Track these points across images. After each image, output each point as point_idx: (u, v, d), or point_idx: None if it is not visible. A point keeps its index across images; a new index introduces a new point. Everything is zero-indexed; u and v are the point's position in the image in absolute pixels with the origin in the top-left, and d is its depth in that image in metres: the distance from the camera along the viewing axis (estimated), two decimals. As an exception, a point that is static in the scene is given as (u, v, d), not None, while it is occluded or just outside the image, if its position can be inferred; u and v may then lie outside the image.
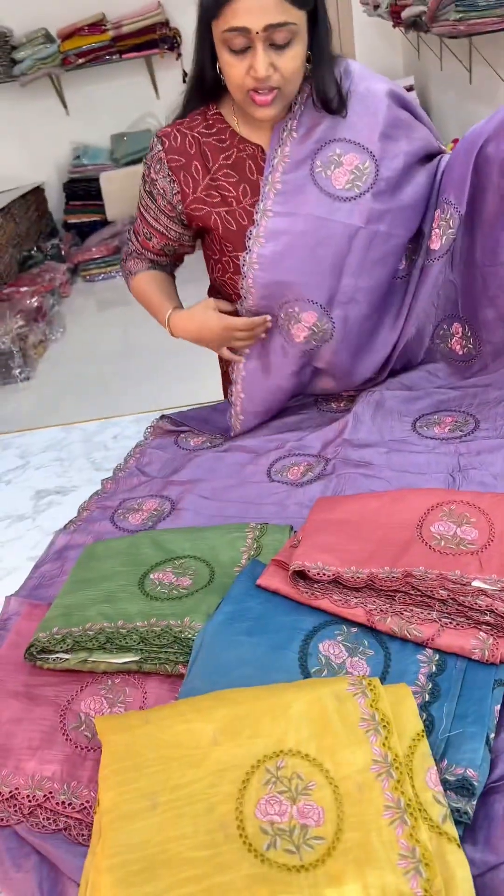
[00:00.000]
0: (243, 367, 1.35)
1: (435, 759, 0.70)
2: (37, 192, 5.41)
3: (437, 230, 1.24)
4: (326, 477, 1.18)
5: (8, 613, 1.01)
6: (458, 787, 0.68)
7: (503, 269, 1.25)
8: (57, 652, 0.88)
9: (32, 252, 4.97)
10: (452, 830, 0.65)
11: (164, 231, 1.34)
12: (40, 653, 0.88)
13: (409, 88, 4.72)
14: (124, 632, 0.87)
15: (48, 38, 5.08)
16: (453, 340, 1.37)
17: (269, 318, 1.27)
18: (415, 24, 3.42)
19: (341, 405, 1.41)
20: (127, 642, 0.86)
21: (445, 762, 0.70)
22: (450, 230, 1.22)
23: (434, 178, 1.27)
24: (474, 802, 0.67)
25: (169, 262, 1.44)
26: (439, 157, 1.28)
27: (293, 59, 1.10)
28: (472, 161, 1.18)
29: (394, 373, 1.40)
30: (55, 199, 5.64)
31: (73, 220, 5.51)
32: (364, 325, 1.30)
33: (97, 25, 5.01)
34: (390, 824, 0.65)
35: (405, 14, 3.51)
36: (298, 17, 1.08)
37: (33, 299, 4.04)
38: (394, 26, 3.97)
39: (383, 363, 1.38)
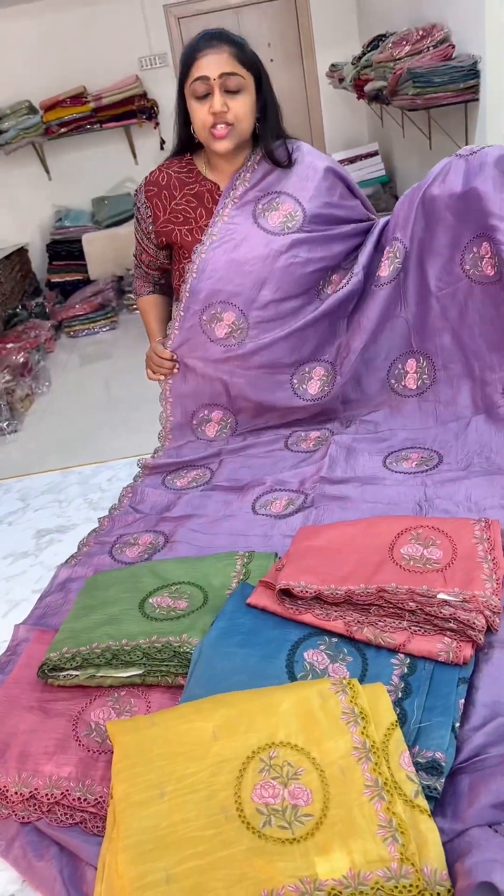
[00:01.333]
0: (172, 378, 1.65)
1: (407, 745, 0.79)
2: (21, 253, 5.59)
3: (385, 261, 1.54)
4: (306, 509, 1.29)
5: (17, 640, 1.10)
6: (429, 768, 0.78)
7: (460, 282, 1.46)
8: (67, 669, 0.97)
9: (17, 310, 5.12)
10: (424, 803, 0.75)
11: (146, 249, 1.70)
12: (52, 671, 0.97)
13: (374, 153, 5.01)
14: (128, 649, 0.96)
15: (31, 110, 5.34)
16: (407, 377, 1.56)
17: (177, 365, 1.63)
18: (377, 97, 3.69)
19: (310, 445, 1.55)
20: (131, 658, 0.95)
21: (417, 747, 0.80)
22: (396, 260, 1.52)
23: (362, 234, 1.61)
24: (443, 780, 0.77)
25: (160, 275, 1.77)
26: (370, 222, 1.62)
27: (243, 103, 1.46)
28: (415, 204, 1.48)
29: (358, 418, 1.59)
30: (38, 259, 5.83)
31: (56, 279, 5.69)
32: (276, 325, 1.58)
33: (78, 97, 5.28)
34: (370, 800, 0.75)
35: (368, 88, 3.79)
36: (246, 75, 1.44)
37: (19, 355, 4.17)
38: (357, 98, 4.26)
39: (332, 365, 1.62)
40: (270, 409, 1.63)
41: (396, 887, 0.69)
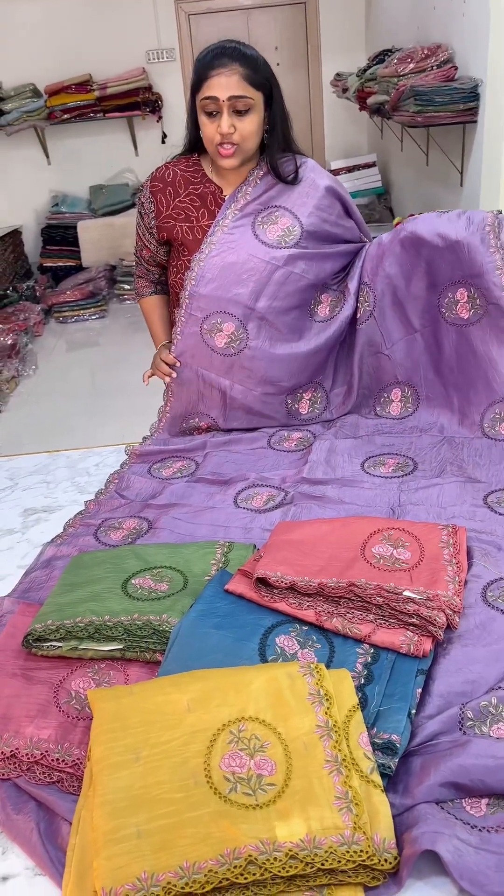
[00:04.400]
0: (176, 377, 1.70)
1: (366, 727, 0.86)
2: (14, 235, 5.60)
3: (359, 306, 1.66)
4: (286, 505, 1.36)
5: (2, 611, 1.14)
6: (385, 748, 0.85)
7: (438, 323, 1.57)
8: (51, 640, 1.02)
9: (8, 292, 5.13)
10: (378, 779, 0.81)
11: (147, 244, 1.74)
12: (36, 641, 1.03)
13: (372, 164, 5.09)
14: (110, 624, 1.02)
15: (35, 93, 5.34)
16: (392, 406, 1.66)
17: (174, 373, 1.68)
18: (379, 111, 3.76)
19: (292, 445, 1.62)
20: (112, 633, 1.01)
21: (375, 729, 0.87)
22: (366, 304, 1.65)
23: (354, 255, 1.68)
24: (397, 760, 0.84)
25: (159, 272, 1.82)
26: (362, 244, 1.70)
27: (250, 123, 1.52)
28: (384, 250, 1.60)
29: (339, 422, 1.68)
30: (32, 243, 5.84)
31: (48, 263, 5.70)
32: (274, 337, 1.64)
33: (83, 85, 5.30)
34: (329, 774, 0.81)
35: (370, 101, 3.86)
36: (255, 95, 1.50)
37: (7, 337, 4.19)
38: (360, 109, 4.34)
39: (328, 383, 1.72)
40: (264, 421, 1.71)
41: (348, 852, 0.75)
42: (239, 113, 1.49)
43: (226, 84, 1.46)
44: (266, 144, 1.61)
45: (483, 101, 2.97)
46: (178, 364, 1.68)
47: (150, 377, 1.77)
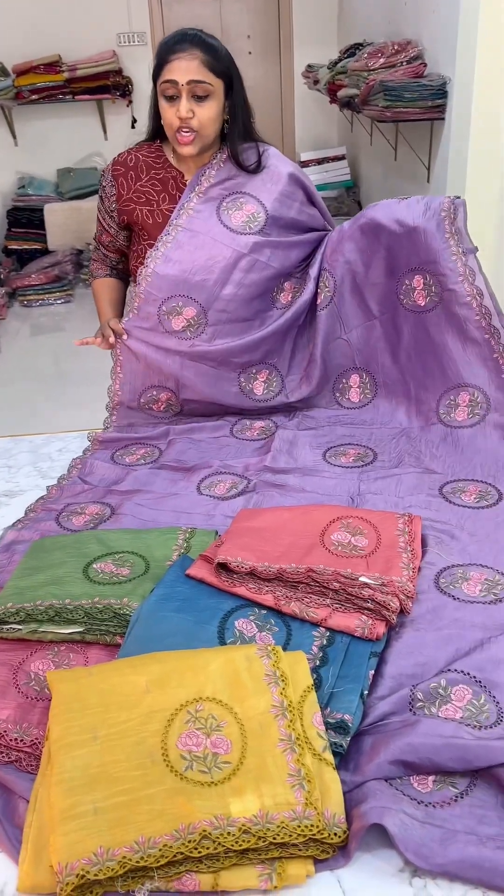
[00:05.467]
0: (122, 352, 1.67)
1: (320, 707, 0.89)
2: (-22, 216, 5.50)
3: (319, 291, 1.67)
4: (248, 493, 1.38)
5: (-38, 594, 1.14)
6: (337, 728, 0.88)
7: (396, 309, 1.60)
8: (10, 623, 1.03)
9: (-29, 273, 5.04)
10: (330, 757, 0.84)
11: (107, 228, 1.74)
12: (-5, 623, 1.03)
13: (342, 157, 5.11)
14: (71, 607, 1.03)
15: (3, 72, 5.23)
16: (351, 392, 1.68)
17: (112, 338, 1.64)
18: (349, 104, 3.78)
19: (255, 434, 1.64)
20: (73, 616, 1.02)
21: (329, 709, 0.89)
22: (326, 289, 1.66)
23: (317, 243, 1.69)
24: (348, 739, 0.87)
25: (117, 259, 1.81)
26: (326, 232, 1.71)
27: (209, 110, 1.53)
28: (345, 237, 1.62)
29: (301, 412, 1.70)
30: (-4, 224, 5.73)
31: (13, 245, 5.60)
32: (233, 327, 1.66)
33: (53, 66, 5.20)
34: (283, 752, 0.83)
35: (340, 94, 3.88)
36: (215, 82, 1.51)
37: (-30, 320, 4.12)
38: (330, 102, 4.35)
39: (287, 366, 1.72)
40: (218, 403, 1.70)
41: (299, 827, 0.78)
42: (198, 98, 1.50)
43: (185, 68, 1.48)
44: (227, 134, 1.62)
45: (451, 98, 3.01)
46: (124, 336, 1.65)
47: (87, 342, 1.68)
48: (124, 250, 1.77)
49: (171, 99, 1.51)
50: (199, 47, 1.49)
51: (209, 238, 1.61)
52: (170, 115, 1.53)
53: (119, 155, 1.69)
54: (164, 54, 1.50)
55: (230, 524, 1.22)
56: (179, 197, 1.64)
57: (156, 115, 1.61)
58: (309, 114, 5.70)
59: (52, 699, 0.88)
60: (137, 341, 1.66)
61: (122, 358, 1.68)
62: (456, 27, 2.87)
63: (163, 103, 1.53)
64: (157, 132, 1.66)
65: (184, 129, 1.53)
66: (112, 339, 1.65)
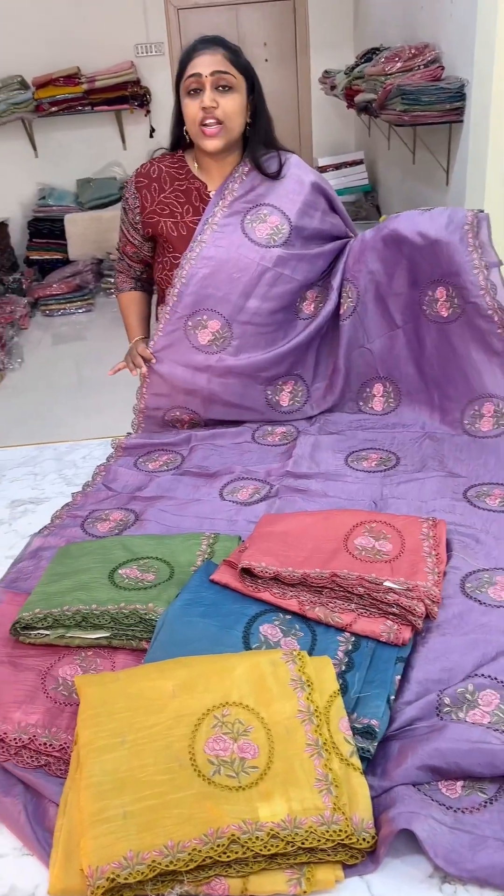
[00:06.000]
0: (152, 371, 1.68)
1: (347, 712, 0.89)
2: (0, 228, 5.57)
3: (342, 301, 1.67)
4: (271, 499, 1.38)
5: (-10, 601, 1.16)
6: (364, 733, 0.87)
7: (419, 320, 1.60)
8: (38, 628, 1.04)
9: (-7, 284, 5.11)
10: (357, 762, 0.84)
11: (131, 240, 1.75)
12: (24, 629, 1.04)
13: (360, 162, 5.11)
14: (97, 613, 1.04)
15: (23, 85, 5.31)
16: (374, 401, 1.68)
17: (143, 367, 1.66)
18: (366, 109, 3.79)
19: (276, 439, 1.64)
20: (99, 621, 1.03)
21: (355, 714, 0.89)
22: (349, 299, 1.66)
23: (339, 251, 1.69)
24: (375, 744, 0.87)
25: (141, 269, 1.82)
26: (348, 240, 1.71)
27: (233, 101, 1.53)
28: (367, 247, 1.62)
29: (323, 417, 1.70)
30: (18, 235, 5.80)
31: (35, 256, 5.67)
32: (258, 339, 1.66)
33: (72, 78, 5.27)
34: (310, 757, 0.83)
35: (358, 99, 3.88)
36: (237, 75, 1.53)
37: (-7, 329, 4.18)
38: (347, 107, 4.36)
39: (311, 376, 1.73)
40: (244, 413, 1.71)
41: (328, 832, 0.78)
42: (222, 90, 1.51)
43: (209, 61, 1.50)
44: (248, 139, 1.62)
45: (469, 101, 3.00)
46: (153, 361, 1.66)
47: (118, 370, 1.72)
48: (148, 261, 1.78)
49: (195, 93, 1.51)
50: (220, 45, 1.53)
51: (234, 252, 1.60)
52: (193, 109, 1.52)
53: (142, 166, 1.69)
54: (188, 53, 1.53)
55: (253, 529, 1.22)
56: (203, 209, 1.65)
57: (177, 124, 1.62)
58: (326, 119, 5.71)
59: (80, 704, 0.88)
60: (165, 363, 1.66)
61: (148, 380, 1.68)
62: (473, 29, 2.87)
63: (186, 101, 1.53)
64: (178, 143, 1.67)
65: (208, 120, 1.52)
66: (144, 369, 1.66)
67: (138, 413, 1.73)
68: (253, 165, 1.63)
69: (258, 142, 1.62)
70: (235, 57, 1.53)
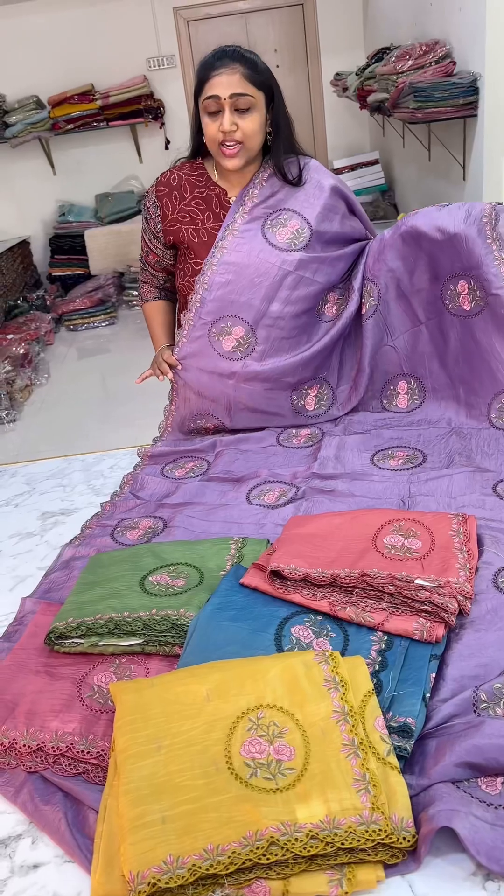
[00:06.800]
0: (182, 377, 1.70)
1: (382, 711, 0.88)
2: (23, 246, 5.66)
3: (363, 301, 1.68)
4: (298, 501, 1.38)
5: (24, 612, 1.18)
6: (400, 731, 0.87)
7: (442, 314, 1.59)
8: (72, 637, 1.05)
9: (18, 302, 5.19)
10: (394, 761, 0.83)
11: (153, 248, 1.77)
12: (58, 639, 1.05)
13: (375, 162, 5.10)
14: (129, 620, 1.04)
15: (39, 105, 5.40)
16: (398, 398, 1.67)
17: (170, 373, 1.69)
18: (379, 109, 3.78)
19: (301, 442, 1.64)
20: (132, 628, 1.04)
21: (391, 713, 0.89)
22: (371, 299, 1.66)
23: (359, 253, 1.70)
24: (412, 742, 0.86)
25: (164, 277, 1.84)
26: (367, 241, 1.72)
27: (252, 122, 1.54)
28: (385, 245, 1.62)
29: (347, 417, 1.70)
30: (40, 253, 5.90)
31: (57, 272, 5.76)
32: (282, 343, 1.66)
33: (86, 95, 5.35)
34: (346, 757, 0.83)
35: (370, 99, 3.88)
36: (256, 93, 1.53)
37: (20, 346, 4.24)
38: (360, 108, 4.35)
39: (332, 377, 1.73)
40: (270, 420, 1.71)
41: (367, 832, 0.77)
42: (241, 111, 1.52)
43: (227, 83, 1.50)
44: (271, 147, 1.63)
45: (482, 94, 2.98)
46: (179, 367, 1.69)
47: (146, 377, 1.75)
48: (171, 269, 1.79)
49: (214, 115, 1.53)
50: (238, 62, 1.51)
51: (255, 257, 1.62)
52: (213, 130, 1.54)
53: (162, 175, 1.71)
54: (205, 72, 1.52)
55: (281, 532, 1.22)
56: (223, 215, 1.66)
57: (197, 132, 1.63)
58: (340, 121, 5.71)
59: (116, 711, 0.89)
60: (190, 371, 1.68)
61: (177, 385, 1.70)
62: (484, 22, 2.85)
63: (205, 120, 1.55)
64: (198, 150, 1.69)
65: (228, 143, 1.54)
66: (170, 375, 1.69)
67: (168, 413, 1.74)
68: (273, 171, 1.64)
69: (281, 151, 1.62)
70: (254, 72, 1.52)
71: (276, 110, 1.59)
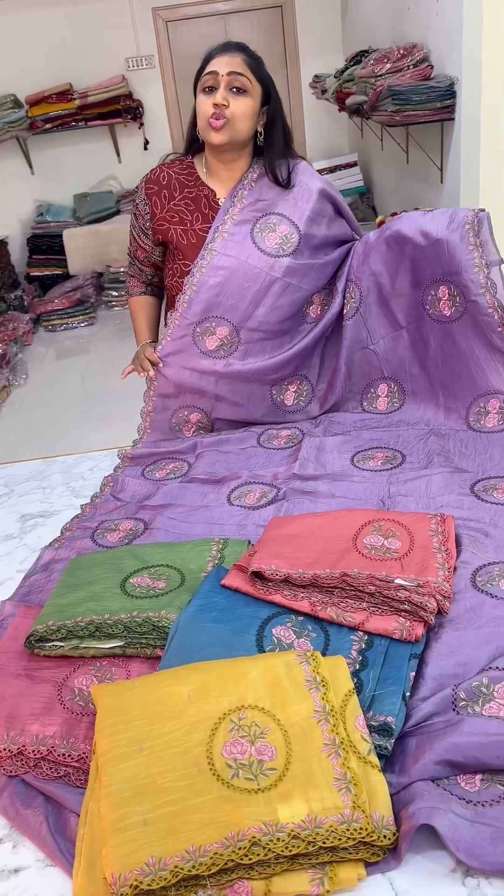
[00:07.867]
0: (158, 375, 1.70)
1: (363, 710, 0.89)
2: (0, 246, 5.61)
3: (345, 302, 1.70)
4: (279, 502, 1.39)
5: (3, 615, 1.17)
6: (381, 730, 0.88)
7: (423, 319, 1.61)
8: (53, 640, 1.05)
9: (-5, 302, 5.14)
10: (375, 760, 0.84)
11: (142, 244, 1.76)
12: (38, 642, 1.05)
13: (354, 164, 5.12)
14: (110, 622, 1.04)
15: (16, 104, 5.36)
16: (378, 401, 1.69)
17: (151, 370, 1.68)
18: (357, 111, 3.80)
19: (282, 443, 1.65)
20: (113, 631, 1.03)
21: (371, 712, 0.89)
22: (352, 300, 1.69)
23: (345, 256, 1.71)
24: (393, 741, 0.87)
25: (152, 273, 1.84)
26: (353, 242, 1.73)
27: (243, 104, 1.55)
28: (370, 249, 1.65)
29: (327, 418, 1.71)
30: (18, 252, 5.85)
31: (35, 272, 5.71)
32: (265, 345, 1.68)
33: (64, 94, 5.32)
34: (328, 757, 0.84)
35: (349, 101, 3.90)
36: (253, 81, 1.55)
37: (-3, 347, 4.20)
38: (339, 111, 4.37)
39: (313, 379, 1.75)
40: (250, 420, 1.73)
41: (348, 830, 0.78)
42: (235, 91, 1.53)
43: (227, 62, 1.54)
44: (264, 147, 1.64)
45: (459, 98, 3.01)
46: (160, 365, 1.68)
47: (129, 373, 1.74)
48: (159, 264, 1.80)
49: (210, 90, 1.54)
50: (243, 51, 1.56)
51: (244, 261, 1.62)
52: (205, 105, 1.55)
53: (151, 172, 1.71)
54: (209, 56, 1.56)
55: (262, 533, 1.23)
56: (212, 217, 1.66)
57: (193, 127, 1.64)
58: (319, 123, 5.73)
59: (97, 713, 0.89)
60: (172, 368, 1.68)
61: (156, 383, 1.70)
62: (461, 26, 2.88)
63: (200, 97, 1.56)
64: (191, 145, 1.69)
65: (217, 115, 1.54)
66: (151, 372, 1.69)
67: (146, 416, 1.74)
68: (263, 171, 1.65)
69: (275, 152, 1.64)
70: (255, 64, 1.56)
71: (271, 110, 1.61)
